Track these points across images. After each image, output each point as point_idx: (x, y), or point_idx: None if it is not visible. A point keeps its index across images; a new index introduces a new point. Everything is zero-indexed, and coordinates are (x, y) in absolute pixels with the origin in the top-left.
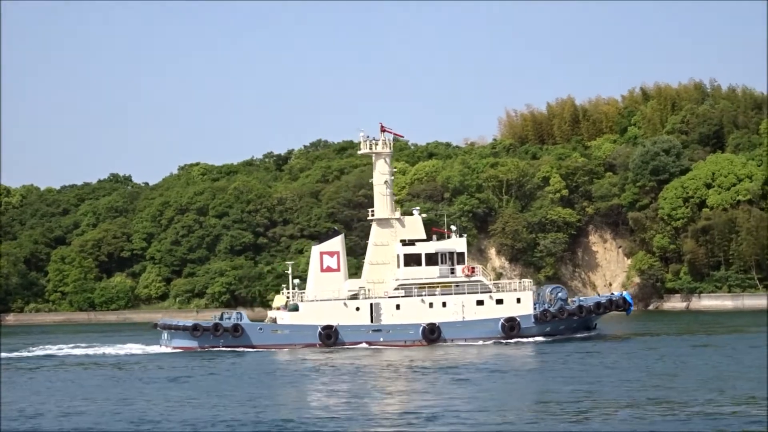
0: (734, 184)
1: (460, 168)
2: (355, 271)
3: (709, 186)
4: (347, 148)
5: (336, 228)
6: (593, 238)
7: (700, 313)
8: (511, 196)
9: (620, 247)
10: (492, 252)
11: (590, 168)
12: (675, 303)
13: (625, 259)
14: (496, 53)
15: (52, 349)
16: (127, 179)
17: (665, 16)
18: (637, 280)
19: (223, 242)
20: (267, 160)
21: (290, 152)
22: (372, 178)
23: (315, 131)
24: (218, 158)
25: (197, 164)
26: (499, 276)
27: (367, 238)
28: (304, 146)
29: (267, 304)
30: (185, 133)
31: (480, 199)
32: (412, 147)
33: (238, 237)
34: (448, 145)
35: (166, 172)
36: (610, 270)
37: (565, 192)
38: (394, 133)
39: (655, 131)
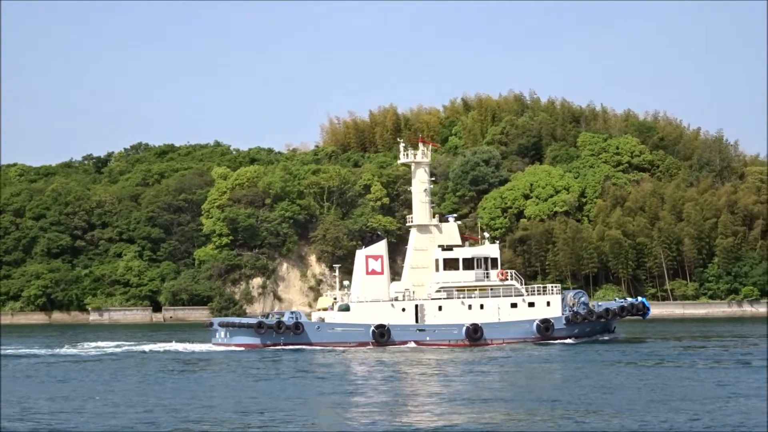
0: (551, 196)
1: (282, 174)
2: (174, 275)
3: (527, 197)
4: (168, 151)
5: (380, 233)
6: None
7: None
8: (333, 203)
9: None
10: (312, 258)
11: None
12: None
13: None
14: (318, 59)
15: (108, 346)
16: None
17: (488, 26)
18: None
19: (40, 244)
20: (86, 162)
21: (110, 155)
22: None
23: (136, 134)
24: (36, 159)
25: (14, 165)
26: (319, 282)
27: (190, 243)
28: (125, 149)
29: (84, 308)
30: (2, 133)
31: (301, 206)
32: (234, 152)
33: (56, 239)
34: (270, 150)
35: None
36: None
37: (386, 200)
38: (433, 144)
39: (475, 142)
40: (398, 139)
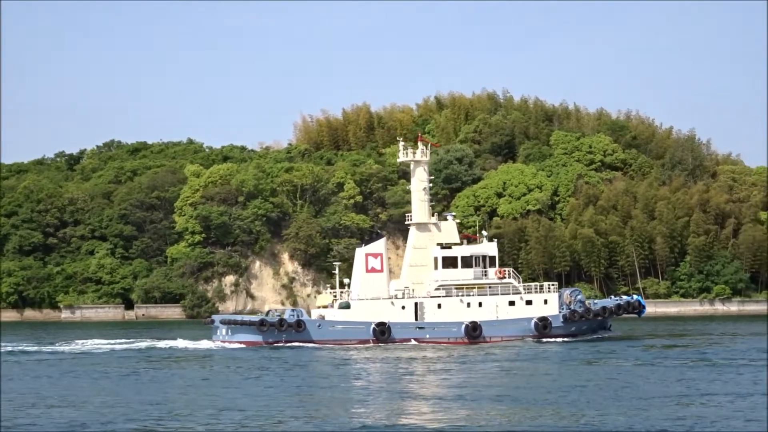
0: (524, 194)
1: (255, 172)
2: (147, 273)
3: (500, 195)
4: (141, 149)
5: (379, 231)
6: (386, 244)
7: None
8: (306, 201)
9: None
10: (285, 256)
11: (384, 175)
12: None
13: None
14: (292, 57)
15: (98, 343)
16: None
17: (461, 25)
18: None
19: (12, 242)
20: (59, 159)
21: (83, 152)
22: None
23: (108, 131)
24: (8, 156)
25: None
26: (291, 280)
27: (162, 241)
28: (97, 146)
29: (56, 306)
30: None
31: (274, 204)
32: (207, 150)
33: (27, 237)
34: (243, 148)
35: None
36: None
37: (359, 198)
38: (432, 143)
39: (448, 140)
40: (398, 138)
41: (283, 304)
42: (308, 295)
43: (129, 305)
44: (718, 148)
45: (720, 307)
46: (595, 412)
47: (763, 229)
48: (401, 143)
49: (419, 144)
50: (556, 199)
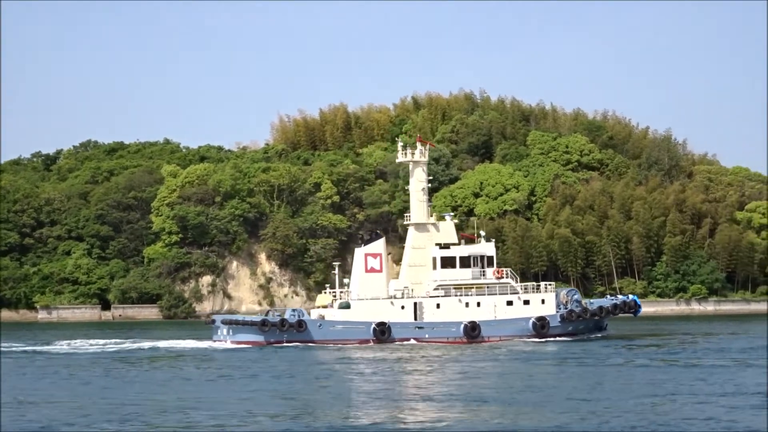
0: (501, 194)
1: (232, 172)
2: (123, 273)
3: (477, 195)
4: (117, 149)
5: (378, 232)
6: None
7: None
8: (283, 201)
9: (390, 253)
10: (262, 257)
11: (361, 175)
12: None
13: (394, 265)
14: (269, 57)
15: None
16: None
17: (438, 25)
18: None
19: None
20: (35, 159)
21: (59, 152)
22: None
23: (85, 131)
24: None
25: None
26: (268, 281)
27: (139, 241)
28: (74, 146)
29: (32, 306)
30: None
31: (251, 204)
32: (184, 150)
33: (4, 237)
34: (220, 148)
35: None
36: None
37: (336, 198)
38: (430, 143)
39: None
40: (396, 138)
41: (260, 304)
42: (285, 295)
43: (106, 306)
44: (694, 148)
45: (696, 307)
46: (567, 413)
47: (739, 229)
48: (400, 144)
49: (418, 144)
50: (533, 199)
